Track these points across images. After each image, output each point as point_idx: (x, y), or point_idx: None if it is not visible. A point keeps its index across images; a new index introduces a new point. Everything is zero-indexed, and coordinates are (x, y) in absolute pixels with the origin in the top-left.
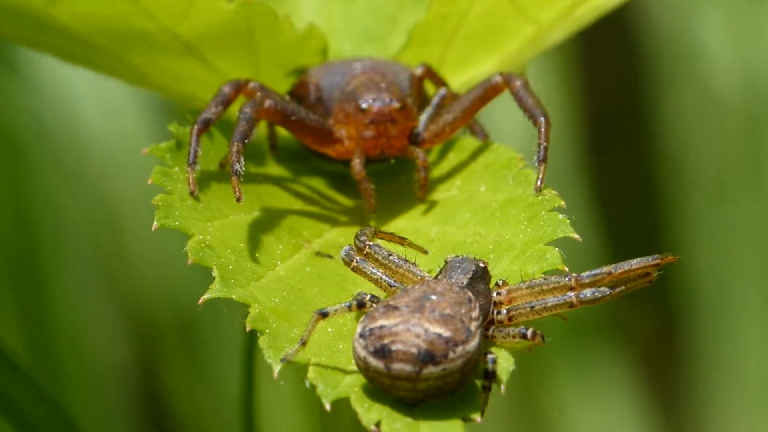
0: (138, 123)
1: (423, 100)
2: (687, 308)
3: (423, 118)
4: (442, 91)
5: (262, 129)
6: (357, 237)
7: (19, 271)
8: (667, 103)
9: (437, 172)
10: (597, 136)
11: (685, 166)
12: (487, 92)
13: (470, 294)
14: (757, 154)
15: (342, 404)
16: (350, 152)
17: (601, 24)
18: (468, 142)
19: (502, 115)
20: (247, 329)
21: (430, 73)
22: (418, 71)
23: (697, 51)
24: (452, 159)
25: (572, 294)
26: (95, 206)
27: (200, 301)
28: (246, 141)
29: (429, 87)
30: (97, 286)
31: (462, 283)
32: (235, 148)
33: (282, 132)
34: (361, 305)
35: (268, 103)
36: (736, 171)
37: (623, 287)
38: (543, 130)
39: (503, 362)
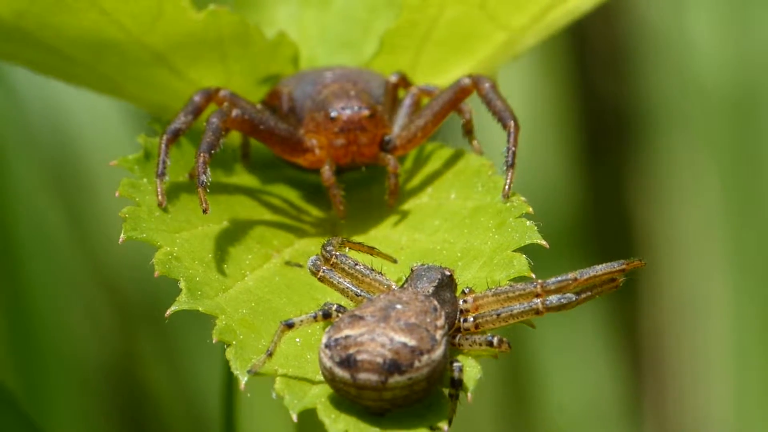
0: (123, 131)
1: (398, 108)
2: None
3: (395, 123)
4: (414, 89)
5: (235, 137)
6: (324, 247)
7: (1, 273)
8: (657, 97)
9: (409, 180)
10: (588, 134)
11: (676, 160)
12: (457, 95)
13: (436, 302)
14: (748, 146)
15: (314, 413)
16: (321, 161)
17: (592, 21)
18: (440, 151)
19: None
20: (214, 341)
21: (405, 81)
22: (393, 79)
23: (687, 45)
24: (424, 167)
25: (538, 301)
26: (80, 210)
27: (167, 314)
28: (213, 151)
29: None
30: (81, 285)
31: (427, 291)
32: (201, 159)
33: (255, 141)
34: (326, 315)
35: (235, 112)
36: (727, 163)
37: (589, 293)
38: (512, 133)
39: (470, 370)
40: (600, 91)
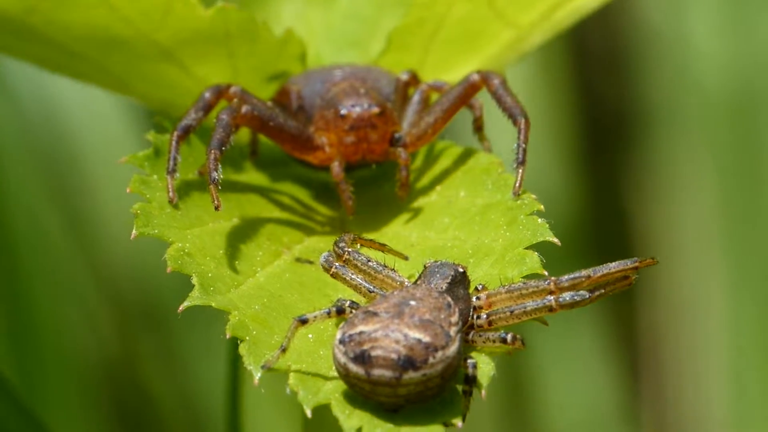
0: (125, 129)
1: (407, 105)
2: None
3: (405, 120)
4: (423, 86)
5: (244, 135)
6: (336, 243)
7: (0, 273)
8: (656, 98)
9: (419, 178)
10: (588, 134)
11: (675, 160)
12: (466, 91)
13: (449, 299)
14: (747, 146)
15: (325, 409)
16: (331, 159)
17: (592, 21)
18: (449, 149)
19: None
20: (227, 336)
21: (416, 80)
22: (404, 77)
23: (687, 45)
24: (433, 165)
25: (551, 298)
26: (78, 210)
27: (180, 309)
28: (223, 148)
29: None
30: (80, 285)
31: (441, 288)
32: (212, 156)
33: (265, 138)
34: (340, 311)
35: (245, 109)
36: (726, 163)
37: (602, 290)
38: (522, 130)
39: (483, 367)
40: (599, 91)
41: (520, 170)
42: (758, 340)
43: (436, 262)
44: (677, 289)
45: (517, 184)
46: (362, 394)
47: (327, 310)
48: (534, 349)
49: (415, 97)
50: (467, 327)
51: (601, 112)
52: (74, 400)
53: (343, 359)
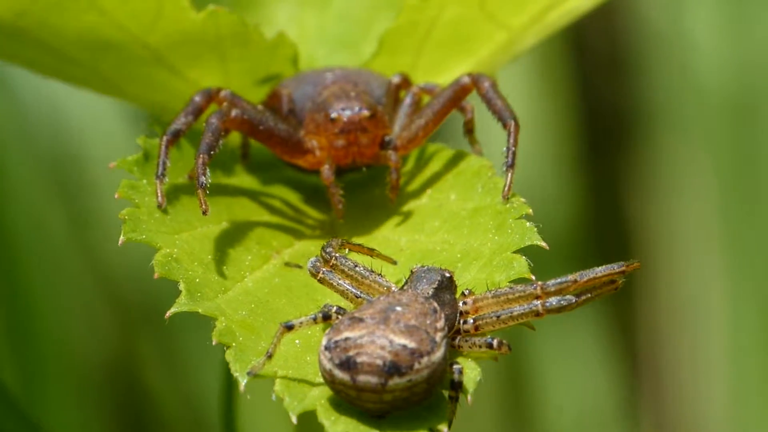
0: (127, 131)
1: (398, 107)
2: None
3: (396, 123)
4: (414, 88)
5: (235, 138)
6: (324, 248)
7: (1, 274)
8: (656, 97)
9: (409, 181)
10: (587, 134)
11: (675, 160)
12: (457, 94)
13: (435, 304)
14: (747, 146)
15: (314, 414)
16: (322, 162)
17: (591, 21)
18: (441, 152)
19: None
20: (214, 343)
21: (407, 82)
22: (395, 80)
23: (687, 45)
24: (424, 168)
25: (538, 303)
26: (79, 211)
27: (166, 315)
28: (212, 152)
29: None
30: (80, 286)
31: (427, 293)
32: (200, 160)
33: (256, 142)
34: (326, 317)
35: (234, 112)
36: (725, 163)
37: (589, 295)
38: (512, 133)
39: (470, 372)
40: (599, 91)
41: (510, 173)
42: (758, 339)
43: (422, 267)
44: (677, 289)
45: (507, 188)
46: (348, 400)
47: (313, 315)
48: (533, 349)
49: (407, 100)
50: (454, 332)
51: (601, 112)
52: (74, 401)
53: (328, 365)
